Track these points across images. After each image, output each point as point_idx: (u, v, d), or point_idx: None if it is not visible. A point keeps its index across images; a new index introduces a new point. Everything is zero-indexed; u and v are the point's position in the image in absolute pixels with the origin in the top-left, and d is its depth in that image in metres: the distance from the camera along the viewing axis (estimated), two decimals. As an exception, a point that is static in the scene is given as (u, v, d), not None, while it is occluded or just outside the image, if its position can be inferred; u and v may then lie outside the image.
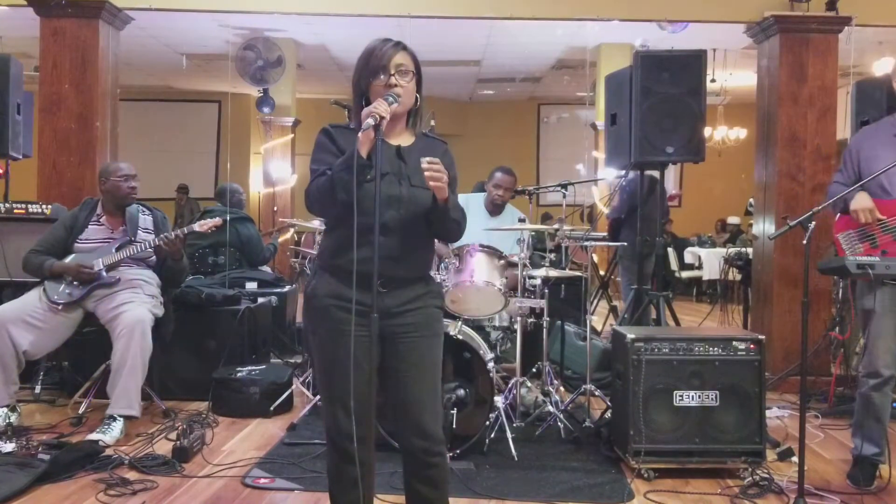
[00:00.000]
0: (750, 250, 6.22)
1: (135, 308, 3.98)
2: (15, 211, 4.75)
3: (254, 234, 6.30)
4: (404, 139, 2.34)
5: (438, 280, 3.85)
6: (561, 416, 4.09)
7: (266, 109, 10.20)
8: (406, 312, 2.30)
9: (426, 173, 2.15)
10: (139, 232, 4.25)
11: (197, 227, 4.14)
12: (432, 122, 2.26)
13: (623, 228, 6.23)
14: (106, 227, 4.25)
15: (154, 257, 4.24)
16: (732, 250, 6.89)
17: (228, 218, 5.97)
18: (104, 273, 4.06)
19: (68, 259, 4.12)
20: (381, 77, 2.26)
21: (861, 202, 3.27)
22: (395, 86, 2.24)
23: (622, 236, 6.18)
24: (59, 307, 4.01)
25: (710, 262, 10.31)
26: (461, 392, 3.64)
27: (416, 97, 2.34)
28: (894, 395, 3.50)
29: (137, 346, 3.88)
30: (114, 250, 4.12)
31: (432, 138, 2.41)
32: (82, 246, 4.17)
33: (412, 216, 2.26)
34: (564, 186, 4.67)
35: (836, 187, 3.46)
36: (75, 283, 4.05)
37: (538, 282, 4.26)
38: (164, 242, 4.07)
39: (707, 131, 6.05)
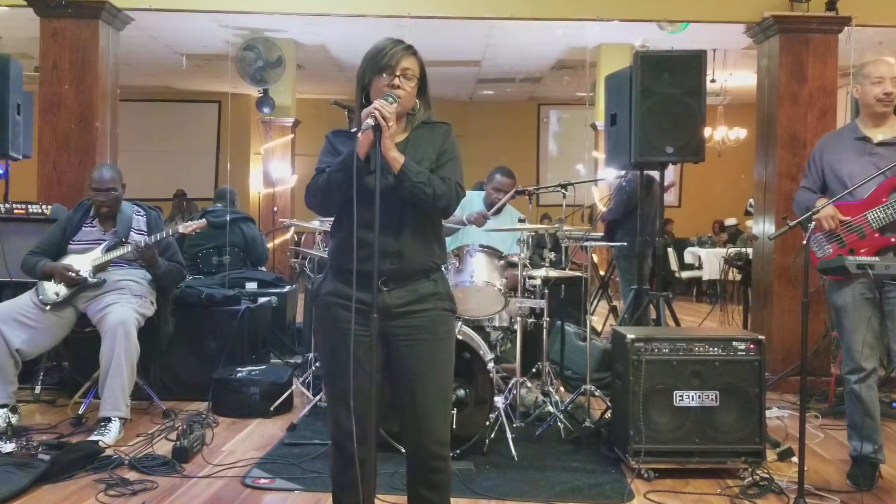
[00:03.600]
0: (750, 250, 6.22)
1: (118, 309, 3.97)
2: (15, 211, 4.76)
3: (257, 233, 6.32)
4: (399, 136, 2.34)
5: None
6: (561, 416, 4.09)
7: (266, 110, 10.20)
8: (410, 314, 2.29)
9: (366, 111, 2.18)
10: (131, 233, 4.25)
11: (182, 228, 4.14)
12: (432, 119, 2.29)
13: (619, 230, 6.24)
14: (98, 228, 4.24)
15: None
16: (732, 250, 6.90)
17: (229, 218, 5.99)
18: (89, 277, 4.06)
19: (61, 260, 4.12)
20: (385, 76, 2.27)
21: (824, 210, 3.31)
22: (398, 87, 2.25)
23: (618, 237, 6.19)
24: (48, 307, 4.01)
25: (710, 262, 10.32)
26: (461, 392, 3.64)
27: (416, 102, 2.35)
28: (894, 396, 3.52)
29: (121, 347, 3.87)
30: (101, 252, 4.12)
31: (432, 123, 2.40)
32: (75, 247, 4.18)
33: (405, 209, 2.26)
34: (564, 186, 4.67)
35: (803, 192, 3.54)
36: (62, 283, 4.05)
37: (538, 282, 4.26)
38: (135, 252, 4.07)
39: (707, 131, 6.05)
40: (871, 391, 3.34)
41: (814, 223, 3.27)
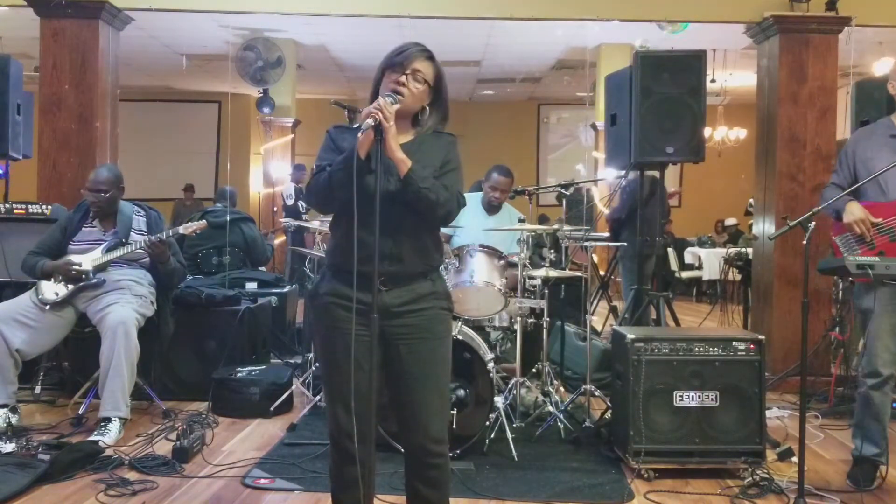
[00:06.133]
0: (750, 250, 6.22)
1: (118, 309, 3.97)
2: (15, 211, 4.75)
3: (257, 234, 6.33)
4: (405, 137, 2.34)
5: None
6: (561, 416, 4.09)
7: (266, 110, 10.21)
8: (408, 314, 2.29)
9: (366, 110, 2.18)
10: (131, 233, 4.25)
11: (182, 229, 4.14)
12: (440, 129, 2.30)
13: (624, 229, 6.23)
14: (98, 228, 4.24)
15: (148, 258, 4.24)
16: (732, 250, 6.90)
17: (229, 218, 5.99)
18: (92, 273, 4.06)
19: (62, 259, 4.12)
20: (395, 74, 2.27)
21: (853, 214, 3.27)
22: (403, 85, 2.25)
23: (623, 237, 6.18)
24: (47, 307, 4.01)
25: (710, 262, 10.32)
26: (461, 392, 3.64)
27: (426, 108, 2.35)
28: (895, 396, 3.51)
29: (121, 347, 3.87)
30: (102, 252, 4.13)
31: (438, 133, 2.39)
32: (75, 247, 4.17)
33: (404, 211, 2.25)
34: (564, 186, 4.67)
35: (831, 189, 3.47)
36: (63, 282, 4.05)
37: (538, 282, 4.26)
38: (146, 246, 4.08)
39: (707, 131, 6.05)
40: (885, 397, 3.32)
41: (813, 223, 3.22)
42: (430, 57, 2.32)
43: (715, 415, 3.45)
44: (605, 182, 8.07)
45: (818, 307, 5.11)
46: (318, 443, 3.79)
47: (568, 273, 4.62)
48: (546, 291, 4.25)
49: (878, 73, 7.92)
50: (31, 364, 4.27)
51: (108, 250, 4.12)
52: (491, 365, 3.78)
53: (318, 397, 4.41)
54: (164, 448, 3.72)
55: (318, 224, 4.77)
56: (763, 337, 3.53)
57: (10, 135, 4.98)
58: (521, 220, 4.50)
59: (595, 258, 6.90)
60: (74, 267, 4.03)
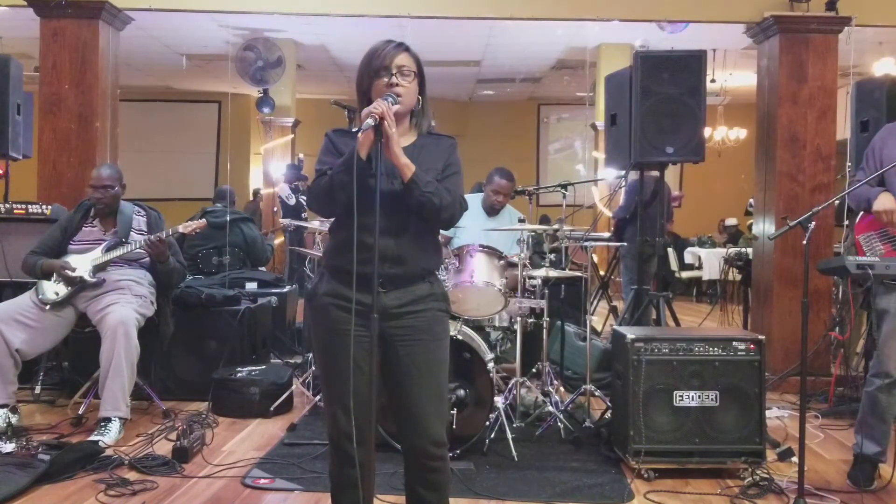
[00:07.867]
0: (750, 250, 6.22)
1: (118, 309, 3.97)
2: (15, 211, 4.76)
3: (257, 234, 6.33)
4: (406, 139, 2.34)
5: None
6: (561, 416, 4.09)
7: (266, 110, 10.21)
8: (407, 315, 2.29)
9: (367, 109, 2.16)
10: (132, 233, 4.25)
11: (182, 228, 4.14)
12: (432, 123, 2.27)
13: (628, 228, 6.23)
14: (98, 228, 4.25)
15: (148, 258, 4.24)
16: (732, 250, 6.89)
17: (229, 218, 5.99)
18: (87, 276, 4.06)
19: (61, 260, 4.13)
20: (383, 77, 2.27)
21: (884, 203, 3.24)
22: (397, 86, 2.25)
23: (627, 236, 6.18)
24: (47, 306, 4.01)
25: (710, 262, 10.31)
26: (461, 392, 3.64)
27: (419, 99, 2.35)
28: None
29: (121, 347, 3.87)
30: (102, 251, 4.13)
31: (437, 135, 2.40)
32: (75, 247, 4.18)
33: (408, 214, 2.25)
34: (564, 187, 4.67)
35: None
36: (61, 282, 4.05)
37: (538, 282, 4.26)
38: (146, 245, 4.08)
39: (707, 131, 6.05)
40: (892, 398, 3.30)
41: (813, 223, 3.19)
42: (406, 49, 2.32)
43: (715, 415, 3.45)
44: (605, 182, 8.07)
45: (818, 307, 5.11)
46: (318, 443, 3.79)
47: (568, 273, 4.62)
48: (546, 291, 4.25)
49: (878, 73, 7.92)
50: (31, 364, 4.28)
51: (108, 250, 4.13)
52: (491, 365, 3.78)
53: (318, 397, 4.40)
54: (164, 448, 3.72)
55: (318, 224, 4.77)
56: (763, 337, 3.53)
57: (11, 135, 4.98)
58: (521, 220, 4.49)
59: (595, 258, 6.90)
60: (67, 271, 4.03)
